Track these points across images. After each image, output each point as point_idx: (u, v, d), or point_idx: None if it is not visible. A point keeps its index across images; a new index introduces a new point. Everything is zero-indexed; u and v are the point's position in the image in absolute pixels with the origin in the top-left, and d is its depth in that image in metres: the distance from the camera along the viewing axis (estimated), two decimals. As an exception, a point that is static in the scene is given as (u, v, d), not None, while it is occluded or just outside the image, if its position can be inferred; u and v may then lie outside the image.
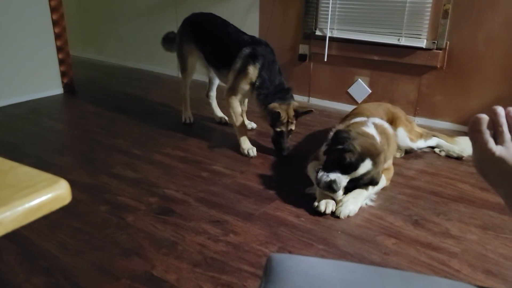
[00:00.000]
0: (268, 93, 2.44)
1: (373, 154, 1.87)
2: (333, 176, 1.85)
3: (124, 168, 2.32)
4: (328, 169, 1.89)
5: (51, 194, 0.45)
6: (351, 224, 1.81)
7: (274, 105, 2.41)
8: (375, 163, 1.87)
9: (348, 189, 1.94)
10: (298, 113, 2.46)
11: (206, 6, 3.61)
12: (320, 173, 1.89)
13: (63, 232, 1.72)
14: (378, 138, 2.01)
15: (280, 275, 0.62)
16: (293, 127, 2.49)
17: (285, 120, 2.43)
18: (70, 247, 1.62)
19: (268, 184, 2.15)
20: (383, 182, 2.07)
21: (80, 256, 1.57)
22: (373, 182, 1.94)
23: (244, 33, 2.69)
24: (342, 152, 1.85)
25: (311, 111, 2.51)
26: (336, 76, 3.46)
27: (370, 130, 2.04)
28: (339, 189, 1.85)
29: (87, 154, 2.52)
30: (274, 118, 2.42)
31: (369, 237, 1.71)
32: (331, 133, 2.09)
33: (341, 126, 2.15)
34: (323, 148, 2.08)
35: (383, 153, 1.93)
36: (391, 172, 2.19)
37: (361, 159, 1.84)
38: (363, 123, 2.10)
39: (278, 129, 2.45)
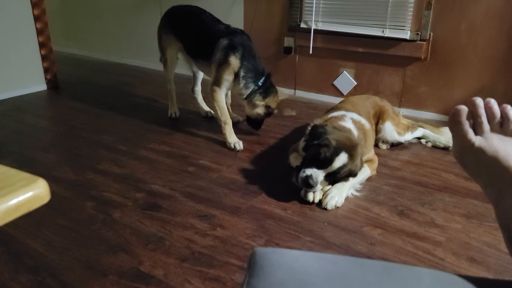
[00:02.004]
0: (255, 82, 2.52)
1: (349, 147, 1.88)
2: (309, 171, 1.86)
3: (110, 164, 2.30)
4: (305, 165, 1.90)
5: (29, 193, 0.44)
6: (338, 216, 1.82)
7: (272, 103, 2.58)
8: (351, 156, 1.88)
9: (330, 183, 1.96)
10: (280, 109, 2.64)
11: (191, 0, 3.58)
12: (299, 170, 1.92)
13: (48, 230, 1.70)
14: (355, 132, 2.02)
15: (264, 268, 0.62)
16: (271, 115, 2.67)
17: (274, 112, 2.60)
18: (56, 245, 1.61)
19: (254, 178, 2.15)
20: (367, 172, 2.09)
21: (66, 253, 1.56)
22: (352, 175, 1.95)
23: (220, 22, 2.69)
24: (317, 147, 1.87)
25: (293, 115, 2.77)
26: (321, 68, 3.47)
27: (347, 124, 2.06)
28: (316, 184, 1.86)
29: (72, 151, 2.49)
30: (267, 114, 2.57)
31: (355, 228, 1.73)
32: (309, 128, 2.11)
33: (319, 121, 2.17)
34: (302, 144, 2.09)
35: (359, 146, 1.94)
36: (376, 162, 2.21)
37: (335, 153, 1.85)
38: (340, 118, 2.12)
39: (262, 117, 2.64)
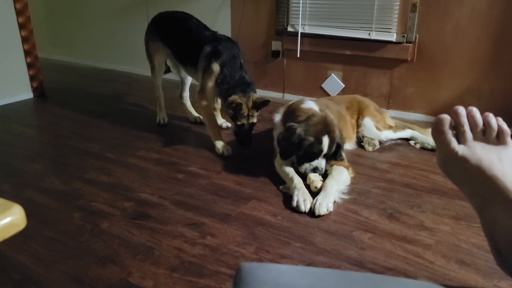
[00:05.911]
0: (229, 87, 2.42)
1: (325, 130, 2.07)
2: (314, 164, 2.09)
3: (98, 173, 2.28)
4: (301, 162, 2.10)
5: (4, 220, 0.43)
6: (328, 221, 1.82)
7: (234, 97, 2.37)
8: (330, 132, 2.07)
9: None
10: (256, 104, 2.40)
11: (177, 5, 3.57)
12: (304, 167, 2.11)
13: (35, 242, 1.68)
14: (316, 107, 2.20)
15: (249, 285, 0.62)
16: (254, 120, 2.46)
17: (245, 113, 2.40)
18: (43, 258, 1.59)
19: (244, 184, 2.14)
20: (346, 173, 2.11)
21: (54, 266, 1.54)
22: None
23: (206, 28, 2.68)
24: (309, 151, 2.05)
25: (268, 101, 2.43)
26: (309, 71, 3.47)
27: (306, 106, 2.22)
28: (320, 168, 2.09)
29: (59, 160, 2.47)
30: (234, 110, 2.39)
31: (345, 232, 1.73)
32: (275, 142, 2.29)
33: (278, 129, 2.31)
34: (279, 159, 2.22)
35: (326, 117, 2.10)
36: (345, 160, 2.23)
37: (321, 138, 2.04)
38: (297, 107, 2.25)
39: (239, 123, 2.43)
